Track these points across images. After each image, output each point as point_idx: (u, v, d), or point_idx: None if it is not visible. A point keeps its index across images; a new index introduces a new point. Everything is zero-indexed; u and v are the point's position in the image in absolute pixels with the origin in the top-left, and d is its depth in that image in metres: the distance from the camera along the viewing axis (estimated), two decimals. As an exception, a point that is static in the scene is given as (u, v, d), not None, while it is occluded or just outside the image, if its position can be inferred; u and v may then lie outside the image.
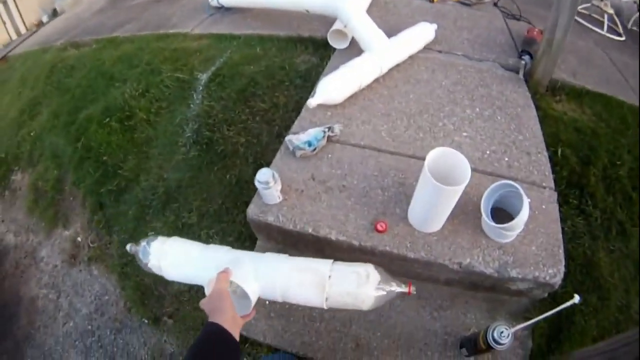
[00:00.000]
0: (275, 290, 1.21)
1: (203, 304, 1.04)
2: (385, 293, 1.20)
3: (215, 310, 0.99)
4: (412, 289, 1.19)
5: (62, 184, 2.61)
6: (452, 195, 1.44)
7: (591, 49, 3.08)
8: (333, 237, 1.62)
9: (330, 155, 1.88)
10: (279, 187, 1.65)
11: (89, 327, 2.10)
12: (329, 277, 1.18)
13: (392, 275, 1.23)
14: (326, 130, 1.88)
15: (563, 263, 1.56)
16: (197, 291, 1.92)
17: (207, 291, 1.14)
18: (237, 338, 0.96)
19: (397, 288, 1.20)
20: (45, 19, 5.26)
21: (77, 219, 2.45)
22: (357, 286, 1.17)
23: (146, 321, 2.00)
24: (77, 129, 2.70)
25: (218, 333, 0.93)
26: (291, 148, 1.85)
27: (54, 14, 5.33)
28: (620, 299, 1.86)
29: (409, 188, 1.74)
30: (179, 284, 1.90)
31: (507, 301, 1.73)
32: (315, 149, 1.84)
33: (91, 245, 2.32)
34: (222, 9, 3.37)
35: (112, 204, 2.35)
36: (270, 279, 1.21)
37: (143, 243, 1.37)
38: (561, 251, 1.59)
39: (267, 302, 1.72)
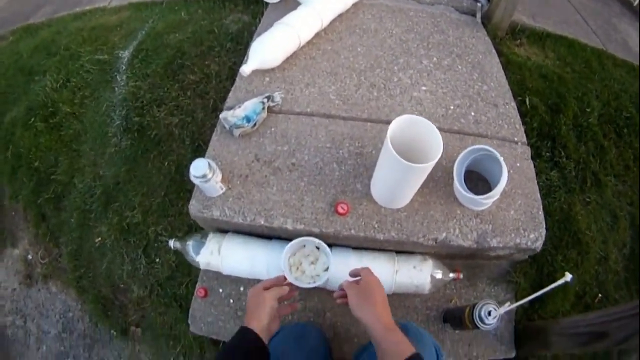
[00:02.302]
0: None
1: (249, 298, 1.09)
2: (440, 276, 1.43)
3: (254, 313, 1.03)
4: (461, 275, 1.46)
5: (1, 199, 2.37)
6: (422, 173, 1.22)
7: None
8: (289, 227, 1.38)
9: (273, 129, 1.58)
10: (219, 177, 1.38)
11: (62, 348, 1.96)
12: (396, 260, 1.42)
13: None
14: (265, 100, 1.58)
15: (544, 225, 1.44)
16: (157, 295, 1.79)
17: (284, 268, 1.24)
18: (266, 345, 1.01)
19: (451, 274, 1.46)
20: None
21: (23, 234, 2.25)
22: (419, 269, 1.41)
23: (114, 333, 1.86)
24: (4, 136, 2.42)
25: (251, 341, 0.98)
26: (228, 127, 1.55)
27: None
28: (598, 252, 1.81)
29: (368, 158, 1.49)
30: (138, 290, 1.83)
31: (487, 265, 1.63)
32: (255, 124, 1.54)
33: (42, 261, 2.14)
34: None
35: (53, 214, 2.14)
36: (343, 264, 1.37)
37: (190, 240, 1.49)
38: (541, 212, 1.46)
39: (232, 301, 1.56)
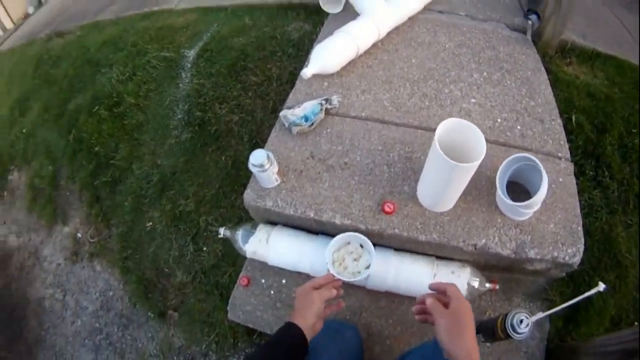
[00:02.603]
0: (389, 274, 1.46)
1: (297, 295, 1.13)
2: (477, 285, 1.46)
3: (300, 311, 1.06)
4: (497, 286, 1.49)
5: (58, 179, 2.54)
6: (466, 173, 1.29)
7: (599, 8, 2.91)
8: (337, 222, 1.47)
9: (329, 130, 1.70)
10: (276, 169, 1.49)
11: (97, 324, 2.05)
12: (436, 264, 1.48)
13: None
14: (323, 102, 1.70)
15: (582, 241, 1.44)
16: (199, 282, 1.86)
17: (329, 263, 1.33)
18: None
19: (487, 284, 1.48)
20: (31, 10, 5.04)
21: (75, 214, 2.39)
22: (457, 275, 1.46)
23: (152, 315, 1.94)
24: (68, 121, 2.62)
25: (296, 336, 1.01)
26: (287, 125, 1.67)
27: (39, 3, 5.06)
28: (638, 277, 1.77)
29: (417, 163, 1.58)
30: (182, 275, 1.89)
31: (523, 281, 1.63)
32: (312, 124, 1.66)
33: (91, 240, 2.26)
34: None
35: (108, 196, 2.27)
36: (383, 263, 1.47)
37: (240, 229, 1.58)
38: (580, 228, 1.47)
39: (272, 292, 1.63)
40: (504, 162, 1.48)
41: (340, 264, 1.38)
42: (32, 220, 2.52)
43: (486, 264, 1.56)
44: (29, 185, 2.63)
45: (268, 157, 1.43)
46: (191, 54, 2.56)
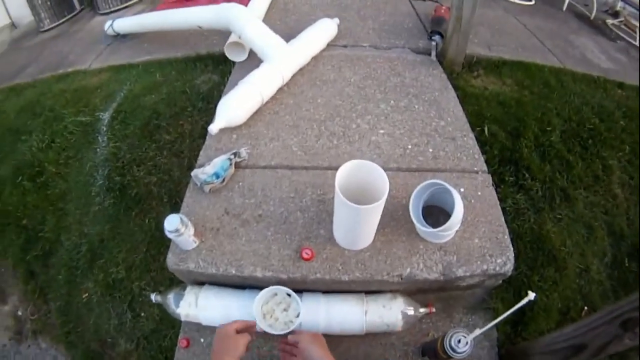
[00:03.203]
0: (320, 319, 1.44)
1: (218, 337, 1.14)
2: (412, 313, 1.46)
3: (221, 355, 1.09)
4: (433, 309, 1.49)
5: None
6: (374, 212, 1.29)
7: (502, 17, 3.06)
8: (259, 275, 1.45)
9: (241, 184, 1.68)
10: (192, 231, 1.46)
11: None
12: (365, 300, 1.47)
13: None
14: (232, 157, 1.69)
15: (511, 249, 1.48)
16: (143, 348, 1.82)
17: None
18: None
19: (422, 309, 1.48)
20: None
21: (13, 291, 2.28)
22: (388, 307, 1.45)
23: None
24: None
25: None
26: (199, 184, 1.65)
27: None
28: (578, 265, 1.83)
29: (330, 204, 1.57)
30: (125, 344, 1.84)
31: (461, 295, 1.63)
32: (224, 180, 1.65)
33: (32, 317, 2.16)
34: (118, 36, 3.20)
35: (42, 270, 2.19)
36: (313, 309, 1.44)
37: (171, 294, 1.56)
38: (507, 237, 1.50)
39: None
40: (415, 191, 1.49)
41: (271, 315, 1.36)
42: None
43: (418, 290, 1.56)
44: None
45: (182, 220, 1.40)
46: (106, 116, 2.53)
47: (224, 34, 2.39)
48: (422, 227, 1.42)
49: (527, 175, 1.99)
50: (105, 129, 2.47)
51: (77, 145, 2.48)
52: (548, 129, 2.17)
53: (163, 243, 1.93)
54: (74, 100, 2.76)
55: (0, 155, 2.70)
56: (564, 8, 3.49)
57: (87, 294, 1.99)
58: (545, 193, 1.98)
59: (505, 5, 3.32)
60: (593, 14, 3.37)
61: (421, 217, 1.50)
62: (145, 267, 1.94)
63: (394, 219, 1.54)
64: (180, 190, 2.02)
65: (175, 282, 1.81)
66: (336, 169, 1.64)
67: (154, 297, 1.56)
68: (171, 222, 1.39)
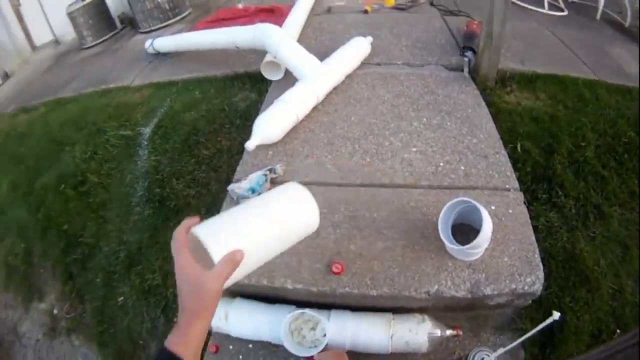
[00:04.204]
0: (346, 339, 1.42)
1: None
2: (438, 334, 1.44)
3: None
4: (460, 331, 1.46)
5: (31, 256, 2.53)
6: None
7: (535, 30, 3.03)
8: (289, 286, 1.50)
9: (275, 200, 1.75)
10: None
11: None
12: (392, 319, 1.45)
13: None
14: (267, 172, 1.77)
15: (541, 268, 1.47)
16: None
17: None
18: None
19: (448, 330, 1.45)
20: (-3, 82, 5.14)
21: (50, 290, 2.38)
22: (414, 332, 1.43)
23: None
24: (36, 200, 2.65)
25: None
26: (235, 198, 1.74)
27: (6, 76, 5.21)
28: (611, 286, 1.76)
29: (361, 221, 1.62)
30: (156, 347, 1.90)
31: (490, 315, 1.62)
32: (259, 195, 1.72)
33: (67, 316, 2.25)
34: (159, 55, 3.35)
35: (80, 273, 2.28)
36: (340, 328, 1.43)
37: None
38: (537, 255, 1.50)
39: (241, 357, 1.62)
40: (444, 209, 1.50)
41: (299, 333, 1.41)
42: (9, 298, 2.52)
43: (446, 307, 1.56)
44: (3, 263, 2.63)
45: None
46: (147, 131, 2.65)
47: (261, 53, 2.48)
48: (450, 244, 1.44)
49: (560, 192, 1.95)
50: (146, 143, 2.58)
51: (119, 157, 2.61)
52: (582, 144, 2.13)
53: (199, 253, 2.00)
54: (117, 115, 2.90)
55: (45, 164, 2.86)
56: (598, 17, 3.40)
57: (122, 298, 2.08)
58: (579, 211, 1.93)
59: (538, 17, 3.28)
60: (628, 22, 3.27)
61: (450, 234, 1.51)
62: (181, 275, 2.01)
63: (424, 236, 1.57)
64: (218, 204, 2.05)
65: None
66: (368, 185, 1.74)
67: None
68: None
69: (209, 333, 1.74)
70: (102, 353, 2.07)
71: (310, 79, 2.02)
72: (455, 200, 1.50)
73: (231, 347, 1.67)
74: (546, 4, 3.35)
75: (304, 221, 0.84)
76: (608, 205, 1.96)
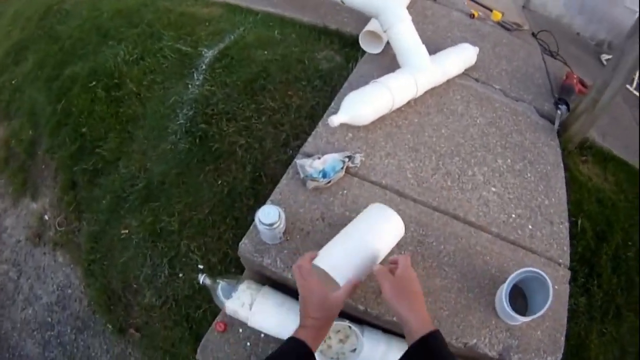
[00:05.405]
0: (375, 357, 1.36)
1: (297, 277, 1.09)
2: None
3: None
4: None
5: (36, 147, 2.31)
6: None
7: (620, 106, 2.92)
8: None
9: (345, 192, 1.59)
10: (284, 227, 1.37)
11: (49, 319, 1.89)
12: None
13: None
14: (345, 159, 1.59)
15: (562, 351, 1.46)
16: (169, 309, 1.70)
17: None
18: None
19: None
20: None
21: (46, 192, 2.17)
22: None
23: (110, 328, 1.78)
24: (60, 88, 2.36)
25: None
26: (302, 176, 1.55)
27: None
28: None
29: (428, 248, 1.53)
30: (150, 297, 1.72)
31: None
32: (330, 182, 1.55)
33: (58, 228, 2.06)
34: None
35: (86, 186, 2.06)
36: (374, 344, 1.38)
37: (222, 282, 1.38)
38: (563, 338, 1.48)
39: (249, 345, 1.49)
40: (515, 273, 1.43)
41: (325, 341, 1.29)
42: (0, 183, 2.33)
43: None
44: (4, 143, 2.42)
45: (280, 215, 1.29)
46: (209, 54, 2.32)
47: (358, 14, 2.16)
48: (508, 311, 1.38)
49: (596, 281, 1.95)
50: (204, 67, 2.27)
51: (168, 72, 2.30)
52: (629, 243, 2.11)
53: (230, 213, 1.79)
54: (178, 24, 2.54)
55: (81, 51, 2.54)
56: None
57: (127, 231, 1.88)
58: (603, 305, 1.94)
59: (624, 93, 3.18)
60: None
61: (508, 298, 1.46)
62: (202, 229, 1.79)
63: (480, 285, 1.50)
64: (268, 165, 1.88)
65: (229, 259, 1.70)
66: (443, 212, 1.64)
67: (202, 278, 1.39)
68: (268, 215, 1.27)
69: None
70: (86, 281, 1.90)
71: (416, 71, 1.84)
72: (528, 268, 1.43)
73: (241, 330, 1.51)
74: (635, 82, 3.23)
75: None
76: (627, 309, 1.97)
